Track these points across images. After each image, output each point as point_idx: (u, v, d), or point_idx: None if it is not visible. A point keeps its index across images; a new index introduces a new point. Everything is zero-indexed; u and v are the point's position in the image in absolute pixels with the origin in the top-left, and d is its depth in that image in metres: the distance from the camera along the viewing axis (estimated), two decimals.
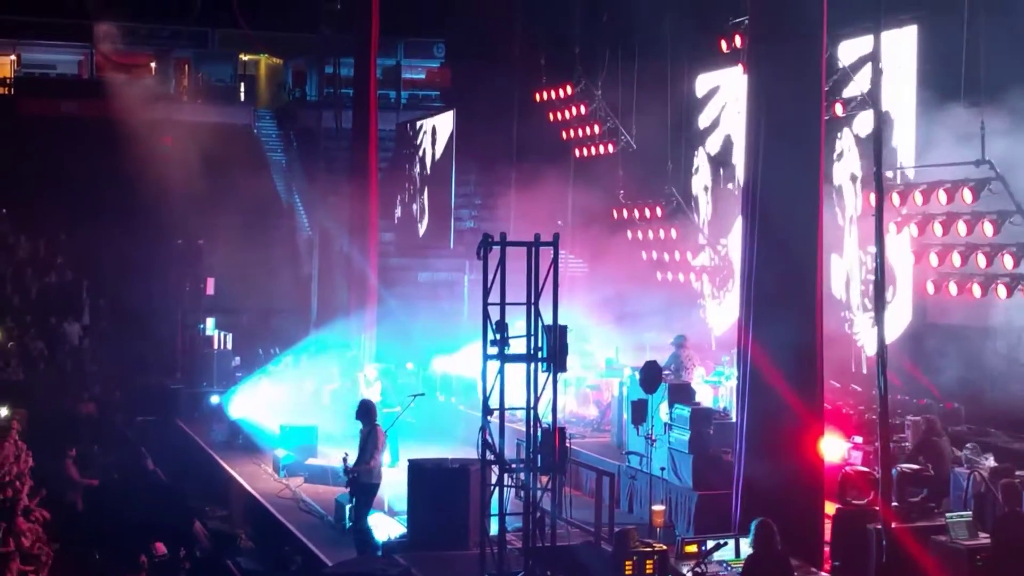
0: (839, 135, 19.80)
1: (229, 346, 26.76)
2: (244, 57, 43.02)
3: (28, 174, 31.88)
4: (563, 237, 12.67)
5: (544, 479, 12.51)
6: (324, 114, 32.67)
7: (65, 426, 23.85)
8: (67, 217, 31.95)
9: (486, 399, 12.48)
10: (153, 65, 41.51)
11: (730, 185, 23.29)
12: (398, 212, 35.21)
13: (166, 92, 38.98)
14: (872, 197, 14.71)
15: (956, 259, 16.89)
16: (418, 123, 35.46)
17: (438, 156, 33.23)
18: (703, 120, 24.51)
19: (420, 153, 34.60)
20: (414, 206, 34.71)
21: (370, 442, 14.70)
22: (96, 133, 32.18)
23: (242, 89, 42.52)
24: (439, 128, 33.42)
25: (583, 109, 26.54)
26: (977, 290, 16.62)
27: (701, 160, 24.72)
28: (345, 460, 14.67)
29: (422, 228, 34.13)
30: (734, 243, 21.29)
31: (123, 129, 30.84)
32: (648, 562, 12.31)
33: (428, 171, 33.89)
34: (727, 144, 23.51)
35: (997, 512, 12.78)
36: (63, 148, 31.74)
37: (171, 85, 40.91)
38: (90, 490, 19.71)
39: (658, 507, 14.87)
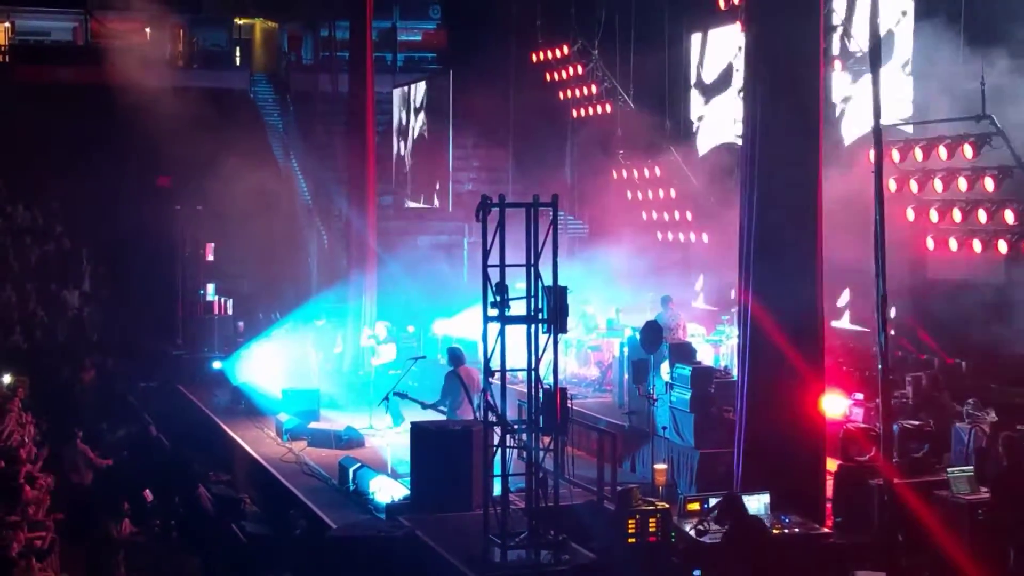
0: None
1: (230, 311, 26.79)
2: (239, 21, 42.78)
3: (24, 142, 31.77)
4: (562, 198, 12.62)
5: (546, 440, 12.53)
6: (320, 77, 32.51)
7: (68, 396, 23.88)
8: (65, 184, 31.87)
9: (487, 361, 12.49)
10: (148, 31, 41.27)
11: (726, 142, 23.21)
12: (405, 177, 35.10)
13: (161, 58, 38.74)
14: (872, 154, 14.66)
15: (957, 215, 16.85)
16: (415, 85, 35.28)
17: (436, 119, 33.08)
18: (701, 78, 24.41)
19: (417, 116, 34.46)
20: (411, 169, 34.60)
21: (448, 384, 15.51)
22: (92, 100, 32.02)
23: (237, 54, 42.31)
24: (436, 90, 33.26)
25: (580, 69, 26.42)
26: (978, 245, 16.59)
27: (700, 118, 24.64)
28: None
29: (417, 191, 34.05)
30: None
31: (119, 96, 30.69)
32: (651, 520, 12.39)
33: (426, 134, 33.76)
34: (726, 101, 23.42)
35: (999, 466, 12.82)
36: (59, 115, 31.60)
37: (166, 51, 40.66)
38: (102, 469, 19.71)
39: (660, 466, 14.92)
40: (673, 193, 24.50)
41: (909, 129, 18.06)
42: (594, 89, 26.18)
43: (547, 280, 12.26)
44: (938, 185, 17.06)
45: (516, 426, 12.70)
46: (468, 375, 15.43)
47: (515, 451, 12.74)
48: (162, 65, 36.67)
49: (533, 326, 12.38)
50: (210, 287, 27.05)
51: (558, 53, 26.98)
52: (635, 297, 22.20)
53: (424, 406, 15.72)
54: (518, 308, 12.40)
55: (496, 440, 12.60)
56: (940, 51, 17.22)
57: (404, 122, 34.35)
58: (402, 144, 34.37)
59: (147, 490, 16.91)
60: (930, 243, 17.50)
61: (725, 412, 15.10)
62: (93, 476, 19.30)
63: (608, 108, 26.00)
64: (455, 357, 15.75)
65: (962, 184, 16.72)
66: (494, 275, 12.25)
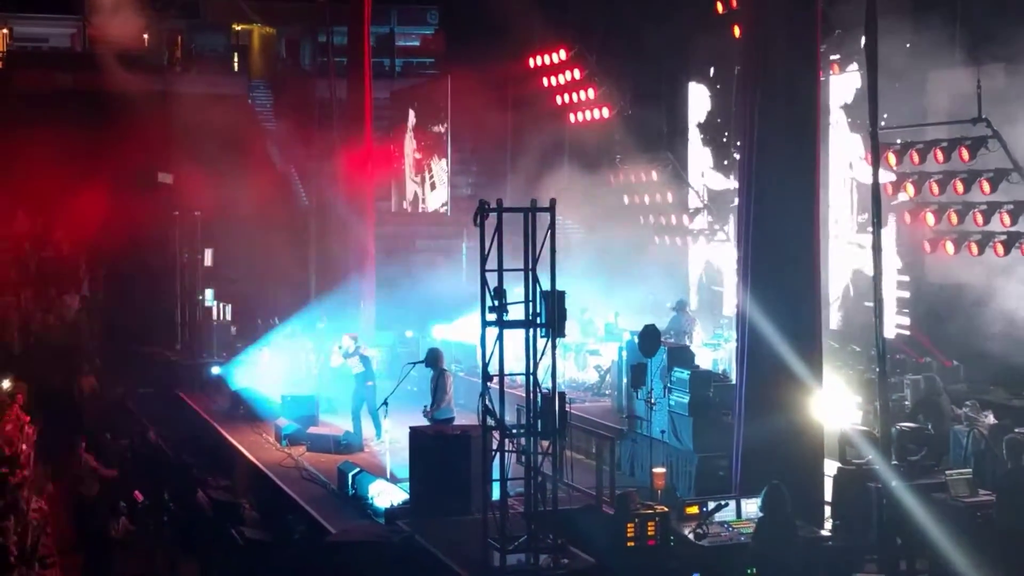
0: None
1: (228, 317, 26.77)
2: (237, 27, 42.81)
3: (23, 148, 31.78)
4: (560, 202, 12.65)
5: (545, 444, 12.55)
6: (318, 83, 32.52)
7: (68, 403, 23.84)
8: (63, 190, 31.88)
9: (485, 365, 12.51)
10: (146, 37, 41.29)
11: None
12: (405, 190, 35.15)
13: (159, 64, 38.79)
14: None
15: (953, 218, 16.89)
16: (412, 91, 35.32)
17: (433, 124, 33.12)
18: (698, 83, 24.42)
19: (415, 121, 34.50)
20: (412, 175, 34.63)
21: (440, 385, 16.31)
22: (90, 106, 32.07)
23: (235, 59, 42.33)
24: (434, 95, 33.29)
25: (578, 74, 26.43)
26: (974, 248, 16.62)
27: (696, 122, 24.64)
28: (425, 408, 16.43)
29: (422, 197, 34.10)
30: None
31: (117, 101, 30.73)
32: (650, 524, 12.39)
33: (424, 139, 33.79)
34: (723, 106, 23.42)
35: (1000, 469, 12.83)
36: (57, 121, 31.62)
37: (164, 57, 40.70)
38: (107, 479, 19.64)
39: (659, 469, 14.93)
40: (670, 197, 24.52)
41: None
42: (592, 94, 26.19)
43: (545, 284, 12.30)
44: (934, 188, 17.09)
45: (515, 430, 12.72)
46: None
47: (514, 455, 12.76)
48: (160, 71, 36.74)
49: (531, 330, 12.40)
50: (208, 292, 27.04)
51: (555, 58, 26.99)
52: (634, 301, 22.21)
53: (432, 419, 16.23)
54: (516, 312, 12.43)
55: (495, 444, 12.62)
56: (937, 54, 17.24)
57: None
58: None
59: (137, 491, 16.95)
60: (927, 246, 17.53)
61: (724, 415, 15.11)
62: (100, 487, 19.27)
63: (606, 112, 26.01)
64: (439, 358, 16.72)
65: (958, 187, 16.74)
66: (492, 279, 12.28)
